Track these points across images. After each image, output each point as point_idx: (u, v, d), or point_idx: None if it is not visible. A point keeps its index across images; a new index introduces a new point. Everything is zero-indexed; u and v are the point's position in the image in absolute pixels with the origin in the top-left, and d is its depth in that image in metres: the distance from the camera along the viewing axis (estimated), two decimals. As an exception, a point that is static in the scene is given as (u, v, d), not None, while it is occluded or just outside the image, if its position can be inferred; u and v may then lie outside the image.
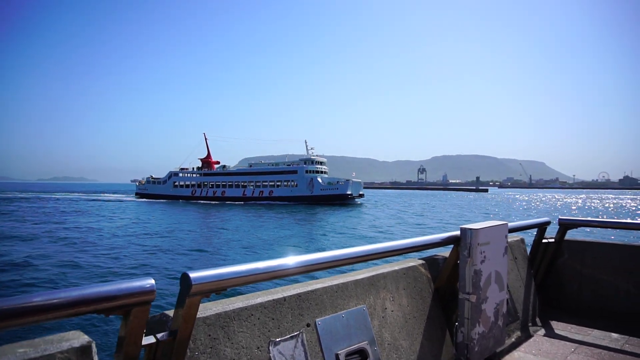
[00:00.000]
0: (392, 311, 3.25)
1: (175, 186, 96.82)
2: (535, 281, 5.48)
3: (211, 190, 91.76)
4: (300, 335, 2.52)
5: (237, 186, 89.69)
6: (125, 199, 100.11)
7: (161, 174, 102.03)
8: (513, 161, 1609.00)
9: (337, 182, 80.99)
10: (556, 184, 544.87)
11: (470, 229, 3.54)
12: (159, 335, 1.89)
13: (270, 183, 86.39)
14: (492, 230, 3.71)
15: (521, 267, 5.26)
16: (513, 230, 4.58)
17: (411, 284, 3.54)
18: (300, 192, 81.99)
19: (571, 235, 5.76)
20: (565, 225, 5.55)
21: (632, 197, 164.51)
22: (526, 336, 4.68)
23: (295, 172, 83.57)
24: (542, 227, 5.51)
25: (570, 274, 5.63)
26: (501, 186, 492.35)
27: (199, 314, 2.10)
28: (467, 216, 56.97)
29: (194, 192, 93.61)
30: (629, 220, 5.66)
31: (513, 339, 4.49)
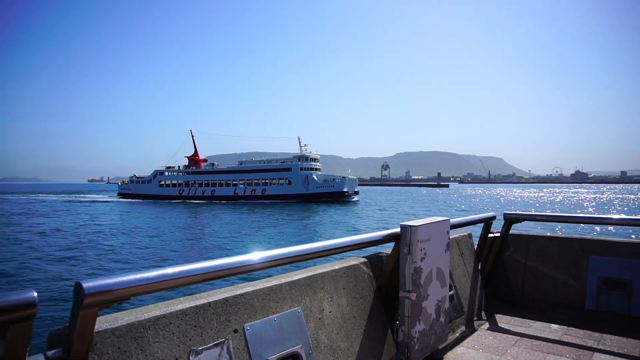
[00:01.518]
0: (330, 312, 3.13)
1: (161, 185, 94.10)
2: (482, 275, 5.52)
3: (200, 189, 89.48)
4: (226, 342, 2.37)
5: (228, 185, 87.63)
6: (107, 199, 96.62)
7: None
8: (473, 157, 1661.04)
9: (333, 179, 79.97)
10: (513, 178, 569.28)
11: (410, 225, 3.45)
12: (49, 353, 1.72)
13: (263, 181, 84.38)
14: (433, 226, 3.66)
15: (468, 262, 5.25)
16: (458, 225, 4.57)
17: (352, 283, 3.44)
18: (295, 190, 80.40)
19: (517, 229, 5.86)
20: (510, 220, 5.59)
21: (586, 190, 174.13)
22: (470, 331, 4.68)
23: (289, 169, 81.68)
24: (487, 222, 5.48)
25: (515, 268, 5.71)
26: (462, 181, 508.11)
27: (107, 325, 1.95)
28: (432, 211, 59.04)
29: (181, 191, 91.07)
30: (570, 214, 5.92)
31: (457, 334, 4.49)
